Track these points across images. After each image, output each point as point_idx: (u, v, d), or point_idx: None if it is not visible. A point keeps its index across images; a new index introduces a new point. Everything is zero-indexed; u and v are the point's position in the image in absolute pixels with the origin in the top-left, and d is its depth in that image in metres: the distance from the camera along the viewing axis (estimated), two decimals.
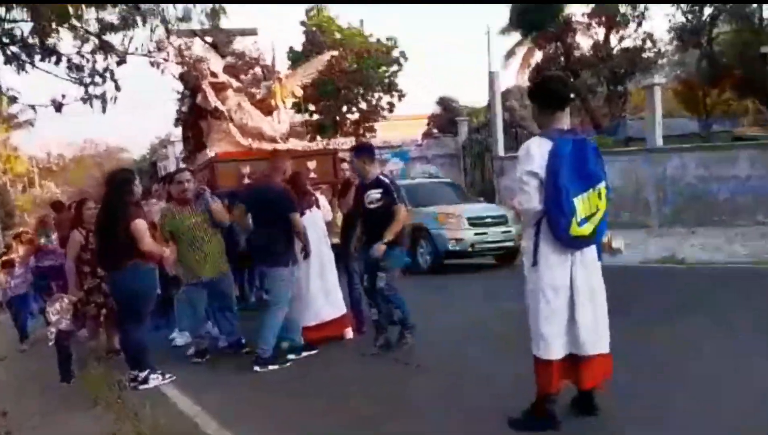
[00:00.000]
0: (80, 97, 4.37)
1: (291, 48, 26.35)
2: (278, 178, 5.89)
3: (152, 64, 4.31)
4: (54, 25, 3.82)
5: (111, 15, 4.25)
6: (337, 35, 26.36)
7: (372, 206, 5.65)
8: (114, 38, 4.40)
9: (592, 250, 3.46)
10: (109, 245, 5.43)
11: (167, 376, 5.54)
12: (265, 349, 5.59)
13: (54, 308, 6.21)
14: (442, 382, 4.72)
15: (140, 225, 5.33)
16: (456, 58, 77.85)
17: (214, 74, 7.61)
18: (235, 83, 7.94)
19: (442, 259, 10.87)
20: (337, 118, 26.26)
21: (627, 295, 7.09)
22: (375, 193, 5.62)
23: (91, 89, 4.24)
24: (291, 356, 5.76)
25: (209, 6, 4.63)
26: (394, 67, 26.85)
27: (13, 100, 4.41)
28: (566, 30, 20.28)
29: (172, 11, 4.42)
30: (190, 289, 6.19)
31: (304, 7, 26.87)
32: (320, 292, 6.24)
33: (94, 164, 52.70)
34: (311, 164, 7.36)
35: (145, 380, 5.41)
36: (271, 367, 5.53)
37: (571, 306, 3.39)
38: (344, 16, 27.00)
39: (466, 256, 10.92)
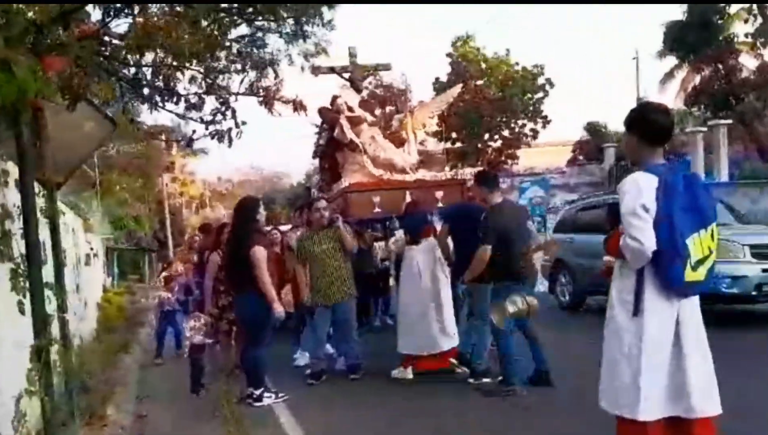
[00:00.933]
0: (207, 134, 4.80)
1: (437, 79, 26.85)
2: (479, 198, 5.94)
3: (260, 103, 4.65)
4: (169, 70, 4.29)
5: (218, 62, 4.68)
6: (483, 65, 26.49)
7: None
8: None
9: (696, 297, 3.12)
10: (234, 268, 5.87)
11: (280, 395, 5.84)
12: (480, 363, 5.90)
13: (190, 324, 6.83)
14: (547, 425, 4.59)
15: (258, 253, 5.59)
16: (605, 83, 74.69)
17: (350, 108, 8.07)
18: (370, 117, 8.36)
19: (710, 304, 6.80)
20: (479, 145, 26.25)
21: None
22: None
23: (211, 127, 4.66)
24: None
25: (305, 47, 4.92)
26: (540, 94, 26.43)
27: (152, 136, 4.89)
28: (727, 51, 18.76)
29: (270, 48, 4.77)
30: (316, 311, 6.53)
31: (450, 38, 27.33)
32: (435, 322, 6.30)
33: (256, 189, 56.87)
34: (439, 194, 7.58)
35: (259, 398, 5.74)
36: (485, 380, 5.77)
37: (677, 361, 3.04)
38: (491, 46, 27.11)
39: (748, 300, 8.27)
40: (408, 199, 7.05)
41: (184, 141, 5.07)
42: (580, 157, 26.82)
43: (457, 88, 10.53)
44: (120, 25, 4.17)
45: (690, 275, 2.95)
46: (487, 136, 26.32)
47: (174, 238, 31.38)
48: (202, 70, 4.51)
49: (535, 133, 26.71)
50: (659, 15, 54.91)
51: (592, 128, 27.95)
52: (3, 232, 3.71)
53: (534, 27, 73.22)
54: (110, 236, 17.24)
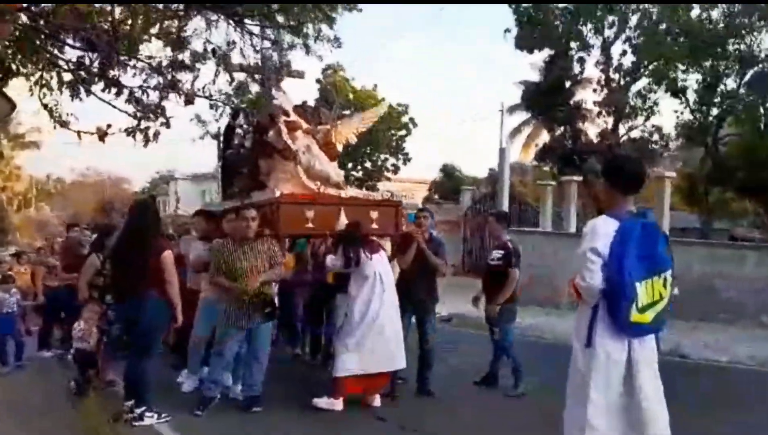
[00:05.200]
0: (125, 129, 4.37)
1: (305, 102, 26.79)
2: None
3: (211, 106, 4.34)
4: (119, 57, 3.89)
5: (183, 55, 4.34)
6: (351, 96, 26.98)
7: (492, 263, 6.64)
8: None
9: (651, 340, 3.32)
10: (128, 273, 5.36)
11: (163, 415, 5.37)
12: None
13: (78, 328, 6.22)
14: None
15: (170, 258, 5.32)
16: (468, 129, 79.58)
17: (286, 113, 7.26)
18: (305, 124, 7.56)
19: None
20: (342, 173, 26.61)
21: None
22: (497, 253, 6.62)
23: (142, 124, 4.26)
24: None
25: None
26: (403, 132, 27.46)
27: (63, 124, 4.39)
28: (576, 115, 20.72)
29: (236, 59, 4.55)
30: (225, 331, 5.79)
31: (321, 66, 27.56)
32: (395, 338, 6.00)
33: (94, 192, 52.73)
34: (373, 214, 6.96)
35: (141, 417, 5.25)
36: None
37: (630, 399, 3.20)
38: (359, 78, 27.74)
39: None
40: (342, 216, 6.60)
41: (97, 134, 4.51)
42: (436, 196, 28.10)
43: (383, 108, 10.15)
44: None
45: (635, 317, 3.14)
46: (350, 165, 26.74)
47: None
48: (153, 64, 4.11)
49: (396, 169, 27.67)
50: (520, 74, 59.28)
51: (448, 170, 29.48)
52: None
53: (402, 68, 76.29)
54: None
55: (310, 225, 6.62)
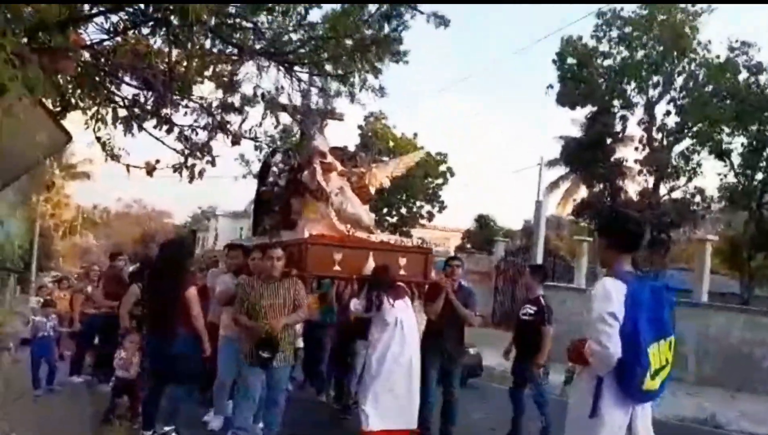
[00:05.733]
0: (172, 165, 4.60)
1: (345, 147, 27.23)
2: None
3: (256, 148, 4.58)
4: (173, 97, 4.13)
5: (233, 97, 4.60)
6: (391, 143, 27.34)
7: (524, 318, 6.65)
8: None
9: (649, 404, 3.24)
10: (160, 303, 5.50)
11: None
12: None
13: (120, 355, 6.40)
14: None
15: (192, 293, 5.49)
16: (497, 180, 79.87)
17: (322, 154, 7.16)
18: (340, 166, 7.45)
19: None
20: (376, 217, 26.77)
21: None
22: (529, 308, 6.63)
23: (189, 161, 4.50)
24: None
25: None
26: (440, 180, 27.64)
27: (114, 157, 4.61)
28: (616, 172, 20.59)
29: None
30: (250, 372, 5.54)
31: (363, 113, 28.10)
32: (417, 393, 5.96)
33: (137, 223, 54.29)
34: (402, 260, 6.77)
35: None
36: None
37: None
38: (400, 126, 28.14)
39: None
40: (371, 260, 6.50)
41: (146, 168, 4.72)
42: (468, 245, 28.04)
43: (420, 154, 10.23)
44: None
45: (648, 384, 3.03)
46: (385, 210, 26.95)
47: (39, 263, 28.86)
48: (205, 105, 4.37)
49: (430, 216, 27.76)
50: (560, 128, 59.46)
51: (482, 220, 29.46)
52: None
53: (443, 118, 77.50)
54: None
55: (338, 267, 6.51)
